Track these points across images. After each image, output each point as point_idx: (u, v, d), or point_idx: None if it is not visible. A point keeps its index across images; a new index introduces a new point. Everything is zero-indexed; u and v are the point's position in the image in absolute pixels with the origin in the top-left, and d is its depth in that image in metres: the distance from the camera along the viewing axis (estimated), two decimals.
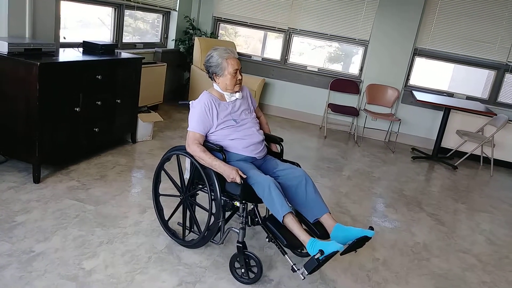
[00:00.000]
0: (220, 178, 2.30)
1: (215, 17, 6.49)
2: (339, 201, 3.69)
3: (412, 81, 6.10)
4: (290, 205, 2.21)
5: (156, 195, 2.69)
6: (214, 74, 2.52)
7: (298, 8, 6.13)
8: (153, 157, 3.94)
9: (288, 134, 5.64)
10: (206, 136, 2.46)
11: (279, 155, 2.73)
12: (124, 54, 4.06)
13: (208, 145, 2.39)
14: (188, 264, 2.42)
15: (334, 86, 6.03)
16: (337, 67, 6.38)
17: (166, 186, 2.79)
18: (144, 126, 4.26)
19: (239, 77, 2.51)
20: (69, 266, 2.23)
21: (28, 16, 3.29)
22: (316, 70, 6.29)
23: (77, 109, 3.27)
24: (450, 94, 6.02)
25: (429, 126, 5.99)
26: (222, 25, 6.64)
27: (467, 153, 5.38)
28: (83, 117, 3.36)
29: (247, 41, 6.77)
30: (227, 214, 2.54)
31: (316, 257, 1.98)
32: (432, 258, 2.98)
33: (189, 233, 2.61)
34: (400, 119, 5.80)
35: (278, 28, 6.29)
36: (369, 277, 2.61)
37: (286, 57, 6.41)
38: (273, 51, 6.57)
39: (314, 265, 1.99)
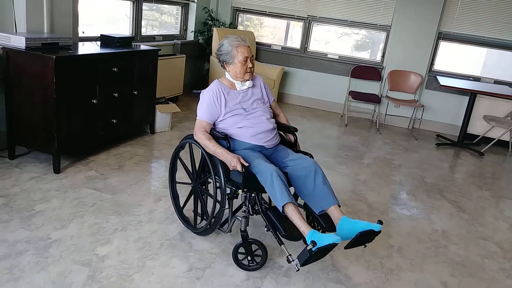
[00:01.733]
0: (226, 166, 2.30)
1: (234, 7, 6.48)
2: (356, 188, 3.65)
3: (437, 66, 5.92)
4: (291, 196, 2.18)
5: (172, 182, 2.73)
6: (224, 62, 2.52)
7: None
8: (170, 148, 3.99)
9: (308, 123, 5.59)
10: (214, 124, 2.48)
11: (293, 145, 2.69)
12: (141, 47, 4.12)
13: (214, 133, 2.40)
14: (198, 251, 2.46)
15: (355, 73, 5.92)
16: (358, 54, 6.25)
17: (183, 175, 2.81)
18: (162, 117, 4.33)
19: (250, 65, 2.49)
20: (83, 252, 2.30)
21: (46, 12, 3.38)
22: (337, 57, 6.20)
23: (94, 101, 3.36)
24: (477, 79, 5.80)
25: (454, 112, 5.80)
26: (247, 16, 6.62)
27: (495, 139, 5.19)
28: (100, 108, 3.44)
29: (273, 32, 6.70)
30: (237, 203, 2.55)
31: (308, 248, 1.96)
32: (450, 246, 2.90)
33: (201, 220, 2.64)
34: (423, 106, 5.64)
35: (297, 16, 6.22)
36: (382, 264, 2.57)
37: (306, 45, 6.34)
38: (298, 40, 6.48)
39: (306, 256, 1.96)
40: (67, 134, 3.17)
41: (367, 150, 4.78)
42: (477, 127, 5.47)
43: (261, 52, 6.42)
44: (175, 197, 2.72)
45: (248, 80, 2.54)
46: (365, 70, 5.94)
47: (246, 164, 2.25)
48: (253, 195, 2.27)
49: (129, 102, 3.79)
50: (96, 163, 3.45)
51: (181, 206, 2.71)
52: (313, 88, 6.35)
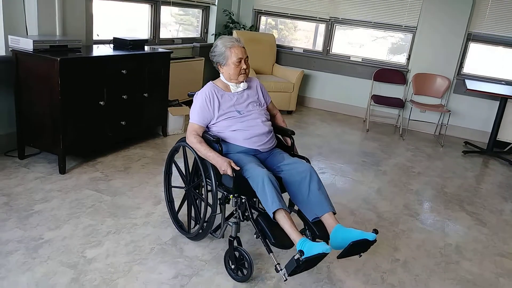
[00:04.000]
0: (218, 170, 2.23)
1: (255, 9, 6.43)
2: (368, 197, 3.48)
3: (467, 69, 5.61)
4: (283, 202, 2.08)
5: (167, 186, 2.69)
6: (218, 64, 2.46)
7: None
8: (181, 150, 3.96)
9: (327, 128, 5.44)
10: (208, 127, 2.41)
11: (289, 149, 2.59)
12: (158, 49, 4.12)
13: (206, 136, 2.33)
14: (189, 257, 2.39)
15: (378, 77, 5.71)
16: (382, 56, 6.03)
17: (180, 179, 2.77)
18: (175, 119, 4.31)
19: (244, 66, 2.42)
20: (72, 254, 2.29)
21: (58, 16, 3.44)
22: (360, 60, 6.01)
23: (102, 103, 3.37)
24: (510, 83, 5.45)
25: (484, 117, 5.48)
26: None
27: None
28: (108, 110, 3.46)
29: (307, 35, 6.54)
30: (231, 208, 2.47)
31: (295, 257, 1.84)
32: (462, 261, 2.70)
33: (195, 225, 2.58)
34: (449, 111, 5.35)
35: (319, 17, 6.09)
36: (383, 279, 2.42)
37: (328, 48, 6.18)
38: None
39: (293, 266, 1.85)
40: (73, 135, 3.20)
41: (386, 157, 4.58)
42: (508, 134, 5.14)
43: (282, 55, 6.32)
44: (170, 201, 2.68)
45: (243, 82, 2.46)
46: (389, 73, 5.72)
47: (237, 168, 2.17)
48: (243, 200, 2.18)
49: (139, 105, 3.80)
50: (103, 165, 3.47)
51: (176, 210, 2.66)
52: (335, 92, 6.18)
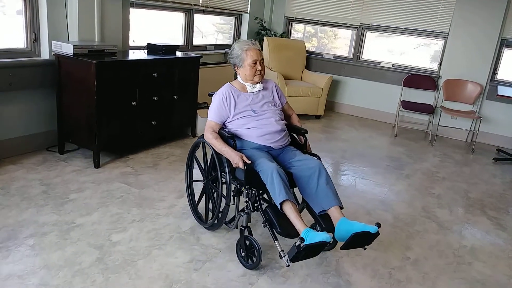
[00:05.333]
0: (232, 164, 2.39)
1: (287, 17, 6.59)
2: (386, 198, 3.53)
3: (501, 75, 5.50)
4: (290, 194, 2.21)
5: (188, 180, 2.88)
6: (235, 66, 2.63)
7: (371, 2, 5.93)
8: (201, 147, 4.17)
9: (354, 133, 5.49)
10: (224, 125, 2.58)
11: (303, 147, 2.71)
12: (186, 54, 4.37)
13: (221, 133, 2.50)
14: (204, 245, 2.56)
15: (408, 82, 5.70)
16: (412, 62, 6.01)
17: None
18: (203, 121, 4.53)
19: (259, 67, 2.57)
20: (99, 237, 2.52)
21: (96, 23, 3.74)
22: (391, 66, 6.02)
23: (134, 103, 3.63)
24: None
25: None
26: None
27: None
28: (140, 111, 3.72)
29: (347, 42, 6.60)
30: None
31: (296, 244, 1.96)
32: (475, 263, 2.70)
33: (212, 216, 2.74)
34: (480, 117, 5.26)
35: (349, 24, 6.16)
36: (391, 275, 2.48)
37: (358, 54, 6.24)
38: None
39: (294, 252, 1.97)
40: (106, 132, 3.47)
41: (411, 162, 4.58)
42: None
43: (312, 61, 6.44)
44: (190, 194, 2.86)
45: (258, 82, 2.61)
46: (419, 79, 5.70)
47: (249, 162, 2.32)
48: (253, 192, 2.33)
49: (169, 106, 4.04)
50: (133, 161, 3.73)
51: (196, 202, 2.85)
52: (364, 97, 6.22)
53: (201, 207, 2.84)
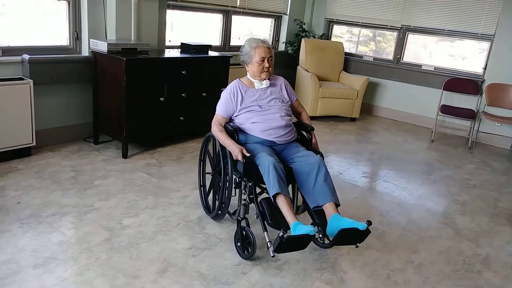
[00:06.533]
0: None
1: (327, 19, 6.58)
2: (404, 202, 3.45)
3: None
4: (284, 188, 2.27)
5: (200, 172, 3.01)
6: (244, 63, 2.72)
7: (412, 3, 5.77)
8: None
9: (389, 136, 5.37)
10: (231, 119, 2.69)
11: (307, 144, 2.75)
12: (216, 54, 4.53)
13: (226, 126, 2.61)
14: (207, 234, 2.68)
15: (449, 86, 5.48)
16: (456, 66, 5.76)
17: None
18: None
19: (266, 65, 2.64)
20: (111, 220, 2.71)
21: (133, 23, 4.00)
22: (433, 69, 5.82)
23: (162, 99, 3.84)
24: None
25: None
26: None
27: None
28: (167, 106, 3.92)
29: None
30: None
31: (280, 235, 2.01)
32: (485, 272, 2.59)
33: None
34: None
35: (390, 26, 6.04)
36: (389, 276, 2.45)
37: (399, 56, 6.09)
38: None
39: (277, 242, 2.03)
40: (135, 125, 3.70)
41: (442, 167, 4.41)
42: None
43: (351, 63, 6.38)
44: (202, 185, 2.99)
45: (266, 79, 2.68)
46: (461, 83, 5.46)
47: (248, 155, 2.41)
48: (250, 184, 2.41)
49: (197, 103, 4.20)
50: (160, 153, 3.93)
51: (207, 194, 2.97)
52: (404, 101, 6.06)
53: (211, 198, 2.96)
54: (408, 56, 6.10)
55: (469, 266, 2.64)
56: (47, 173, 3.28)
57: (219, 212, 2.71)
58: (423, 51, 6.13)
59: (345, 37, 6.84)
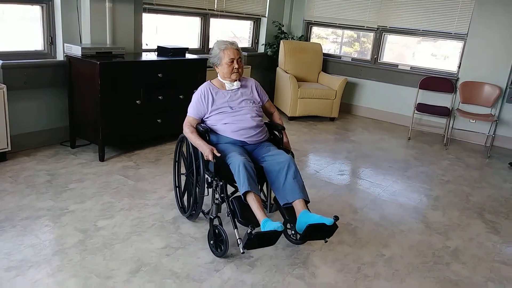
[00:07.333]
0: None
1: (306, 20, 6.66)
2: (378, 198, 3.52)
3: None
4: (254, 186, 2.31)
5: (175, 173, 3.04)
6: (214, 65, 2.76)
7: (388, 5, 5.89)
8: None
9: (366, 135, 5.46)
10: (203, 120, 2.72)
11: (279, 143, 2.80)
12: (193, 56, 4.56)
13: (197, 127, 2.64)
14: (182, 234, 2.71)
15: (424, 85, 5.60)
16: (431, 65, 5.89)
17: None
18: None
19: (236, 66, 2.69)
20: (86, 223, 2.73)
21: (108, 27, 4.01)
22: (409, 68, 5.94)
23: (138, 102, 3.86)
24: None
25: None
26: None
27: None
28: (144, 109, 3.93)
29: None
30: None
31: (248, 231, 2.06)
32: (453, 264, 2.67)
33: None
34: (496, 120, 5.08)
35: (367, 27, 6.14)
36: (359, 270, 2.51)
37: (376, 57, 6.19)
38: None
39: (246, 239, 2.07)
40: (111, 128, 3.71)
41: (418, 164, 4.51)
42: None
43: (330, 64, 6.47)
44: (177, 186, 3.02)
45: (236, 80, 2.73)
46: (436, 81, 5.58)
47: (218, 155, 2.45)
48: (221, 183, 2.45)
49: (174, 105, 4.23)
50: (137, 156, 3.95)
51: (182, 194, 3.00)
52: (381, 100, 6.17)
53: (186, 198, 2.99)
54: (388, 57, 6.21)
55: (438, 258, 2.72)
56: (22, 178, 3.28)
57: (193, 211, 2.74)
58: (399, 51, 6.24)
59: (329, 38, 6.94)
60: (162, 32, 5.08)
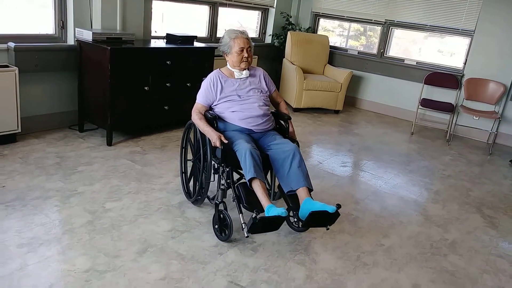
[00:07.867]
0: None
1: (313, 12, 6.68)
2: (379, 190, 3.59)
3: None
4: (260, 173, 2.38)
5: (181, 159, 3.11)
6: (223, 53, 2.82)
7: None
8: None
9: (370, 128, 5.51)
10: (211, 107, 2.78)
11: (285, 132, 2.86)
12: (201, 45, 4.60)
13: (206, 114, 2.71)
14: (187, 218, 2.78)
15: (430, 80, 5.63)
16: (437, 60, 5.91)
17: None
18: None
19: (245, 55, 2.74)
20: (94, 204, 2.81)
21: (119, 13, 4.06)
22: (415, 63, 5.96)
23: (146, 88, 3.91)
24: None
25: None
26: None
27: None
28: (152, 95, 3.99)
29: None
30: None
31: (253, 216, 2.13)
32: (451, 255, 2.74)
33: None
34: (499, 117, 5.12)
35: (374, 20, 6.16)
36: (359, 258, 2.58)
37: (383, 51, 6.22)
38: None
39: (250, 223, 2.14)
40: (119, 114, 3.77)
41: (419, 158, 4.56)
42: None
43: (335, 56, 6.49)
44: (183, 172, 3.09)
45: (245, 69, 2.78)
46: (441, 77, 5.61)
47: (225, 141, 2.51)
48: (227, 169, 2.52)
49: (181, 93, 4.28)
50: (144, 142, 4.02)
51: (188, 180, 3.07)
52: (386, 94, 6.20)
53: (192, 184, 3.06)
54: (394, 51, 6.23)
55: (436, 249, 2.79)
56: (31, 159, 3.36)
57: (199, 197, 2.82)
58: (406, 45, 6.26)
59: (336, 31, 6.95)
60: (169, 19, 5.11)
